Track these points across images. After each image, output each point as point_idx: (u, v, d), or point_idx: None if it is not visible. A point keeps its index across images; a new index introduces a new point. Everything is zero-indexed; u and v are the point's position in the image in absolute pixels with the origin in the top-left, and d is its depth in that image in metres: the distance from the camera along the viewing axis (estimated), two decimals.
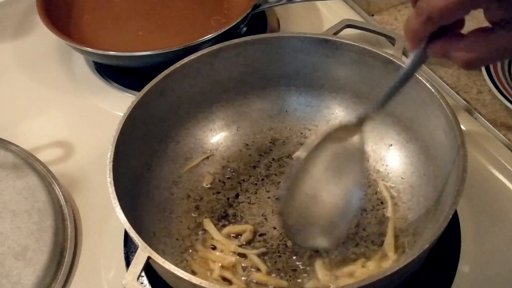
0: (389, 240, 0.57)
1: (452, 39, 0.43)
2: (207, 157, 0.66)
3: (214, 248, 0.59)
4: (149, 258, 0.47)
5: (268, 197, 0.63)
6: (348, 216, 0.54)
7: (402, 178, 0.62)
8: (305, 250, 0.56)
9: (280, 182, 0.64)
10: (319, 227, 0.54)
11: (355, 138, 0.52)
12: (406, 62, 0.46)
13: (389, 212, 0.60)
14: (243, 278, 0.56)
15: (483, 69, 0.70)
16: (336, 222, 0.54)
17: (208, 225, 0.60)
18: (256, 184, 0.64)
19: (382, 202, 0.61)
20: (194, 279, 0.45)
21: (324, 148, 0.52)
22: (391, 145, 0.65)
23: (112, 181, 0.52)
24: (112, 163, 0.54)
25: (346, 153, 0.52)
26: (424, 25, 0.42)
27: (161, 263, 0.47)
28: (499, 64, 0.71)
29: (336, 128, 0.52)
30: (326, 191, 0.54)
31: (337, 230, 0.54)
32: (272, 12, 0.86)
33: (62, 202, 0.64)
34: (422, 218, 0.58)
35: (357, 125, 0.51)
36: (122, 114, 0.58)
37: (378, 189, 0.62)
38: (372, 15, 0.84)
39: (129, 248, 0.60)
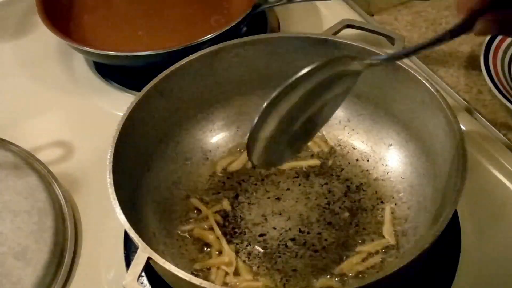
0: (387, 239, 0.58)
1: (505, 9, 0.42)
2: (207, 157, 0.66)
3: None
4: (149, 258, 0.47)
5: (268, 197, 0.63)
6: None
7: (402, 178, 0.62)
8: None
9: (279, 182, 0.64)
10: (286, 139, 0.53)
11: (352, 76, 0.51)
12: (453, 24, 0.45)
13: (388, 212, 0.60)
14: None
15: (483, 69, 0.70)
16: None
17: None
18: (256, 184, 0.64)
19: (382, 202, 0.61)
20: (194, 280, 0.45)
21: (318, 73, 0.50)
22: (391, 145, 0.64)
23: (112, 181, 0.52)
24: (112, 163, 0.54)
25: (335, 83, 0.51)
26: None
27: (161, 264, 0.47)
28: (499, 64, 0.71)
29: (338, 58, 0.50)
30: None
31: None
32: (272, 12, 0.85)
33: (62, 202, 0.64)
34: (422, 218, 0.58)
35: (363, 65, 0.50)
36: (122, 114, 0.58)
37: (377, 189, 0.62)
38: (372, 15, 0.84)
39: (129, 248, 0.60)
